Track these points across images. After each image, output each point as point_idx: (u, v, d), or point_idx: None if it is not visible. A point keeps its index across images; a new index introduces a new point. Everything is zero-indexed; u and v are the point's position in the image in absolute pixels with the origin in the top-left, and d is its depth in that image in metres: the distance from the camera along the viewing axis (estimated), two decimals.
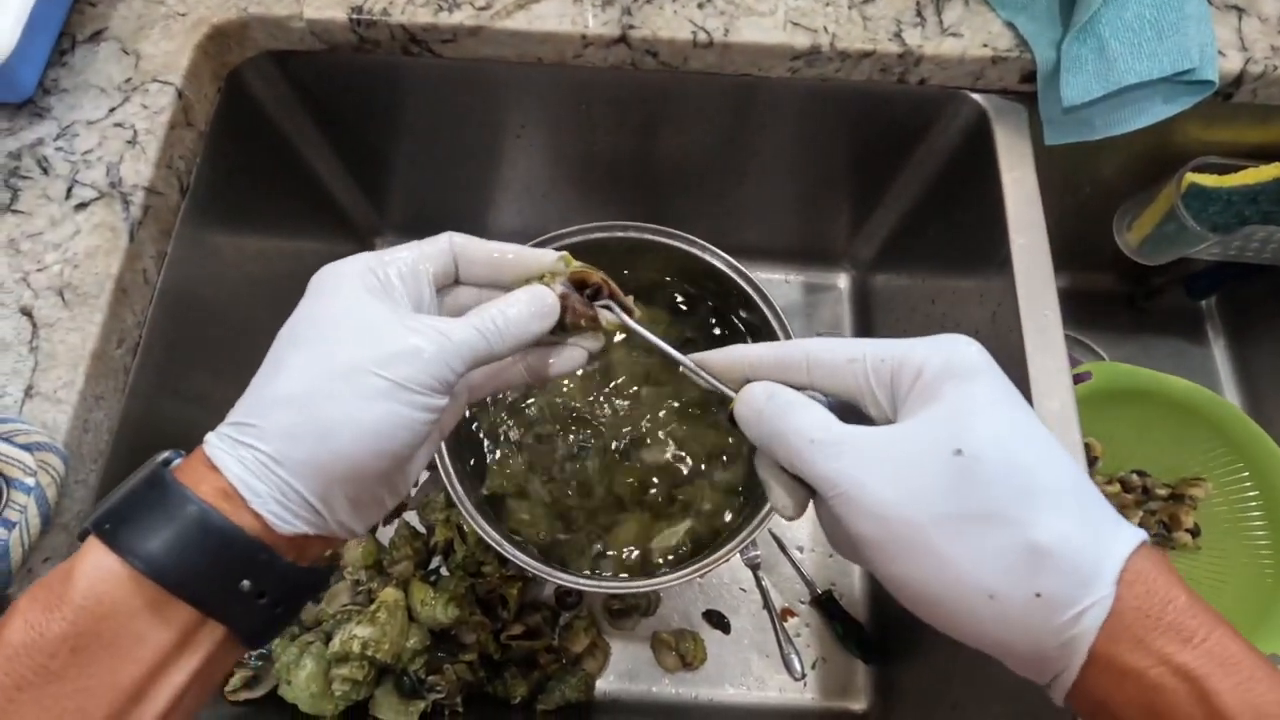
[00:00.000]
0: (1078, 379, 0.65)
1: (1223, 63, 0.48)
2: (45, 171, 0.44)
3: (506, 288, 0.30)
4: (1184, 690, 0.20)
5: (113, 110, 0.45)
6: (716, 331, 0.61)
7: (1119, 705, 0.21)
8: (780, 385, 0.27)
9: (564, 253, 0.31)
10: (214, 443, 0.25)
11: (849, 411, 0.26)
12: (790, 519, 0.29)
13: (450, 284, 0.31)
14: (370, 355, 0.25)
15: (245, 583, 0.24)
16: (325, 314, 0.27)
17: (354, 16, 0.49)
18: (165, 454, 0.26)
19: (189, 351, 0.49)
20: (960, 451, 0.22)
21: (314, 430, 0.24)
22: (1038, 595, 0.21)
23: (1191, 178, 0.56)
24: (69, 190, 0.43)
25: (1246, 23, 0.50)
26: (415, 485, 0.67)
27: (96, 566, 0.23)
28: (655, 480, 0.60)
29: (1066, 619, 0.21)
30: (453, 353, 0.26)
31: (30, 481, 0.35)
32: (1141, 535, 0.22)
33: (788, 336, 0.53)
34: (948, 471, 0.22)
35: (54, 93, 0.46)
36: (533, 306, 0.28)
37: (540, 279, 0.30)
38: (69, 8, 0.47)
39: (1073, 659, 0.21)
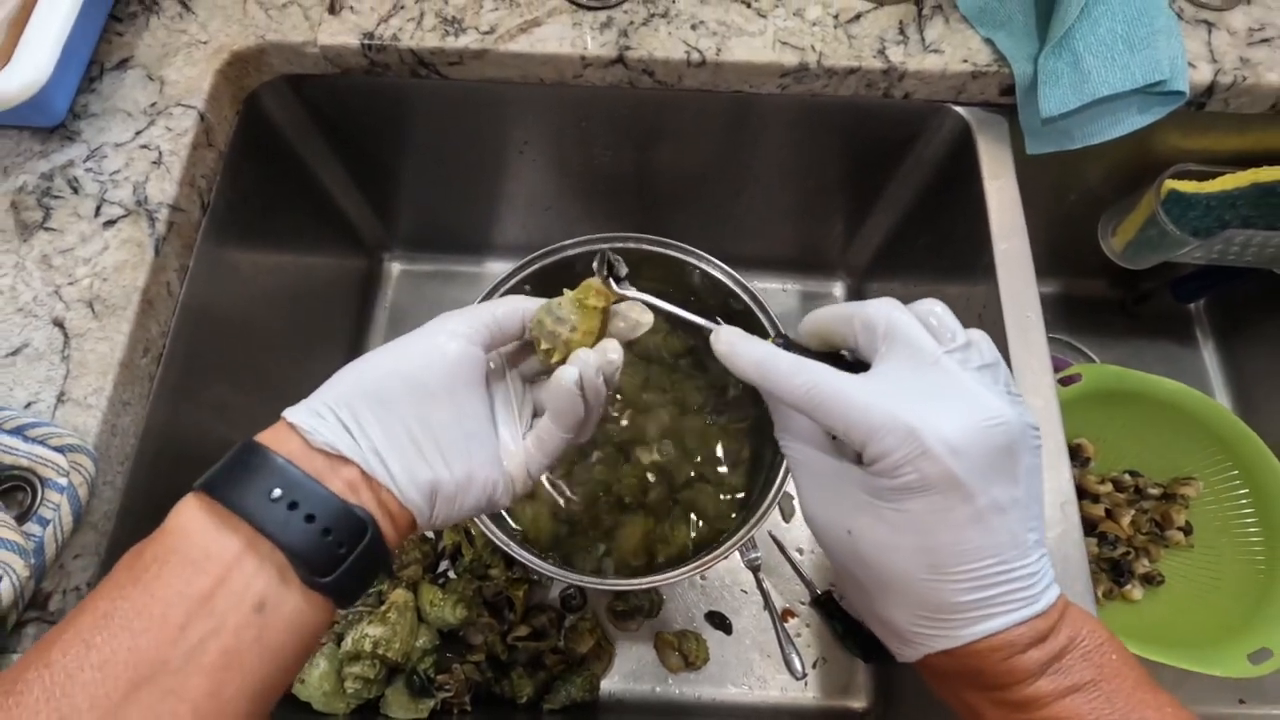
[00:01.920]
0: (1068, 381, 0.67)
1: (1193, 74, 0.50)
2: (76, 191, 0.46)
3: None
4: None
5: (139, 133, 0.48)
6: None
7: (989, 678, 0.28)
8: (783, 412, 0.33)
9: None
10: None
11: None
12: None
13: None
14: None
15: (276, 491, 0.26)
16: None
17: (365, 42, 0.51)
18: None
19: (208, 360, 0.51)
20: (850, 532, 0.29)
21: (347, 370, 0.30)
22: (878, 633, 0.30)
23: (1170, 184, 0.58)
24: (98, 208, 0.46)
25: (1216, 36, 0.52)
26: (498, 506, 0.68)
27: (183, 504, 0.27)
28: (657, 483, 0.61)
29: (897, 650, 0.30)
30: (475, 313, 0.32)
31: (63, 481, 0.37)
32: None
33: None
34: (841, 539, 0.29)
35: (84, 117, 0.48)
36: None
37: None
38: (98, 38, 0.50)
39: (929, 647, 0.28)
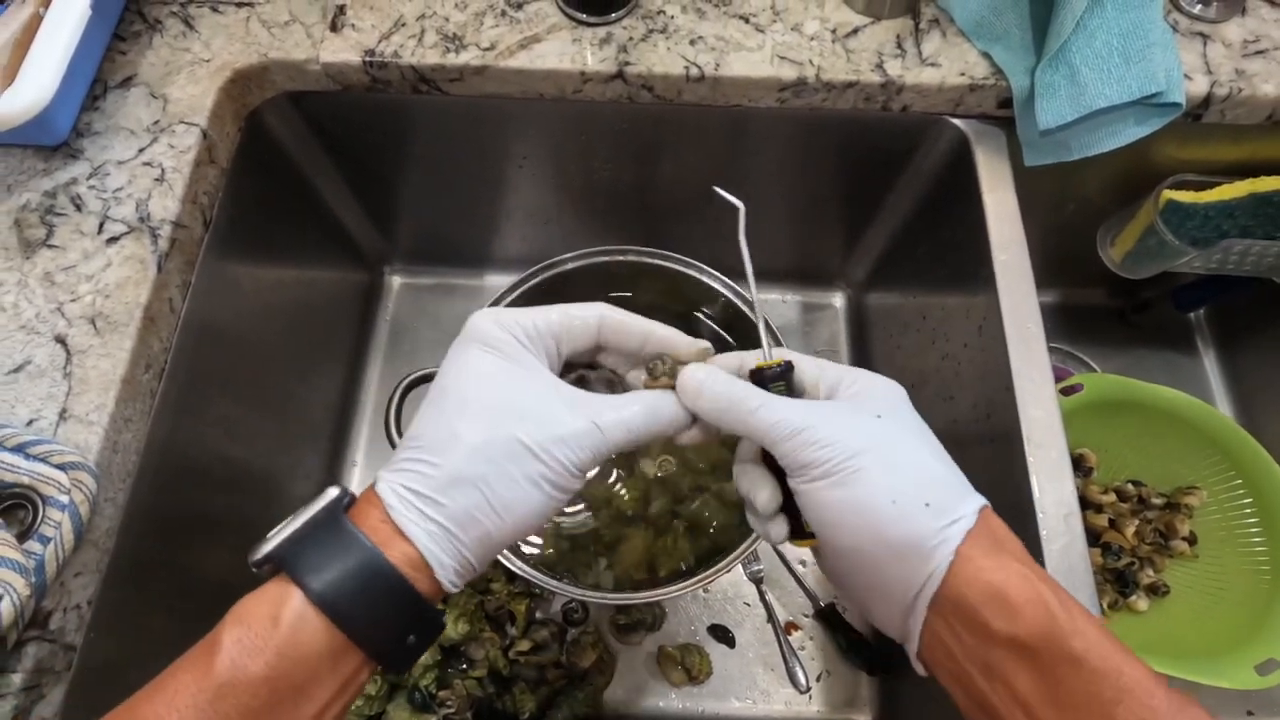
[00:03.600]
0: (1069, 391, 0.67)
1: (1190, 86, 0.51)
2: (79, 208, 0.46)
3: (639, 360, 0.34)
4: (1029, 577, 0.27)
5: (142, 150, 0.48)
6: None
7: (974, 597, 0.27)
8: (723, 379, 0.32)
9: (707, 344, 0.34)
10: (398, 509, 0.28)
11: None
12: (775, 539, 0.32)
13: (591, 350, 0.34)
14: (537, 438, 0.28)
15: (411, 637, 0.28)
16: (490, 375, 0.30)
17: (367, 59, 0.52)
18: (335, 492, 0.29)
19: (210, 375, 0.51)
20: (880, 416, 0.30)
21: (490, 511, 0.28)
22: (927, 504, 0.28)
23: (1168, 194, 0.58)
24: (101, 225, 0.46)
25: (1211, 48, 0.53)
26: None
27: (300, 616, 0.26)
28: (659, 496, 0.61)
29: (944, 523, 0.28)
30: (602, 444, 0.30)
31: (65, 499, 0.37)
32: (985, 501, 0.29)
33: None
34: (869, 426, 0.30)
35: (87, 135, 0.49)
36: (675, 418, 0.32)
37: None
38: (102, 57, 0.51)
39: (945, 552, 0.27)
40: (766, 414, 0.30)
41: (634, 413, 0.30)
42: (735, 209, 0.36)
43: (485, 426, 0.28)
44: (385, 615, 0.27)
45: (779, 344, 0.56)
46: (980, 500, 0.29)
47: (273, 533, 0.28)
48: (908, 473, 0.29)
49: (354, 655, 0.27)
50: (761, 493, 0.32)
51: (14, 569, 0.34)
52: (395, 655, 0.28)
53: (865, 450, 0.29)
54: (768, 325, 0.56)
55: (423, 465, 0.28)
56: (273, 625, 0.25)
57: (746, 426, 0.30)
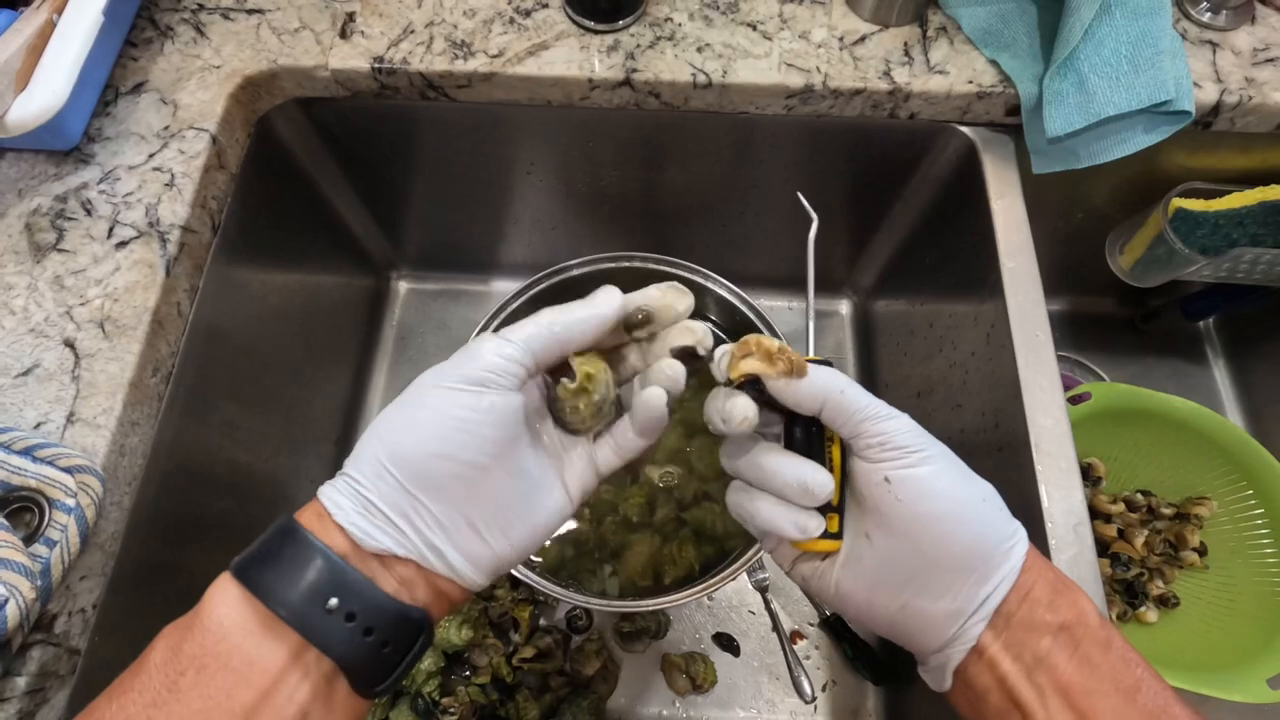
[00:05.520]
0: (1078, 399, 0.66)
1: (1199, 94, 0.51)
2: (89, 213, 0.47)
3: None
4: (1060, 570, 0.29)
5: (152, 156, 0.49)
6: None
7: (1040, 591, 0.28)
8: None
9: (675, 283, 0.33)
10: (325, 482, 0.28)
11: None
12: (810, 533, 0.30)
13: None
14: (433, 375, 0.28)
15: (333, 600, 0.25)
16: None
17: (375, 66, 0.52)
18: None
19: (217, 379, 0.51)
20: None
21: (382, 442, 0.27)
22: (1000, 509, 0.29)
23: (1178, 203, 0.58)
24: (110, 230, 0.46)
25: (1221, 56, 0.52)
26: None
27: (221, 591, 0.25)
28: (664, 503, 0.61)
29: (1016, 524, 0.29)
30: (509, 348, 0.28)
31: (71, 502, 0.37)
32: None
33: None
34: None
35: (98, 140, 0.49)
36: (598, 298, 0.30)
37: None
38: (113, 63, 0.51)
39: (1021, 552, 0.28)
40: (858, 395, 0.29)
41: (553, 311, 0.29)
42: (809, 219, 0.38)
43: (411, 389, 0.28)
44: (289, 568, 0.25)
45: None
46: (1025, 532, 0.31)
47: None
48: (977, 480, 0.30)
49: (286, 632, 0.25)
50: (820, 475, 0.29)
51: (20, 572, 0.34)
52: (325, 629, 0.25)
53: (945, 453, 0.29)
54: (774, 329, 0.56)
55: None
56: (198, 606, 0.25)
57: (837, 405, 0.29)
